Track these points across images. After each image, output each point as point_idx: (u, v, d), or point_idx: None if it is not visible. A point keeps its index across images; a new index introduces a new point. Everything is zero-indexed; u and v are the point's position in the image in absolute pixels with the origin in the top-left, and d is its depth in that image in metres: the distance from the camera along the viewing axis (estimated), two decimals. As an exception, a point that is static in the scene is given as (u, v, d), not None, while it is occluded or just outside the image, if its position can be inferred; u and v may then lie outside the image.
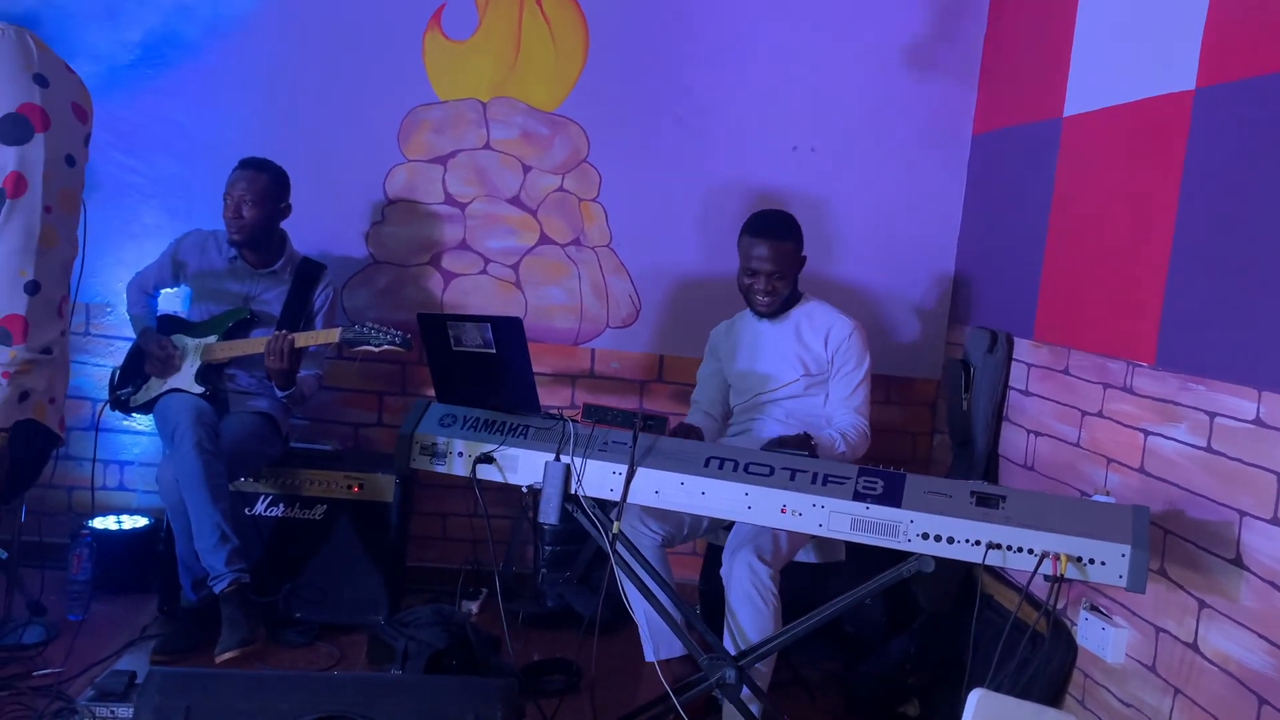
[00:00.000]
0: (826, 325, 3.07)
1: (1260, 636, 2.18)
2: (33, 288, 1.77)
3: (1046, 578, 2.10)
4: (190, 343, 3.25)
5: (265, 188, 3.23)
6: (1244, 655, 2.23)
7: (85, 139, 2.00)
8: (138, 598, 3.37)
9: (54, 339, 1.80)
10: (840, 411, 3.03)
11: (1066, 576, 2.08)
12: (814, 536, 2.77)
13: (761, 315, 3.10)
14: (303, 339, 3.12)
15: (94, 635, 3.09)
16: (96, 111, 3.47)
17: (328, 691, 1.98)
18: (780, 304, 3.07)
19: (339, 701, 1.96)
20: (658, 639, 2.79)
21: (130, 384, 3.29)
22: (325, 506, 3.35)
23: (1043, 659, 2.81)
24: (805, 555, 2.94)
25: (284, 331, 3.11)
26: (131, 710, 2.56)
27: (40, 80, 1.83)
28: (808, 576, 3.01)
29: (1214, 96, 2.47)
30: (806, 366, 3.06)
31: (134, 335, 3.41)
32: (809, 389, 3.07)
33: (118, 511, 3.61)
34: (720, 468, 2.32)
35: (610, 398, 3.78)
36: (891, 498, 2.22)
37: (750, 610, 2.59)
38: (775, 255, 3.00)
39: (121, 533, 3.50)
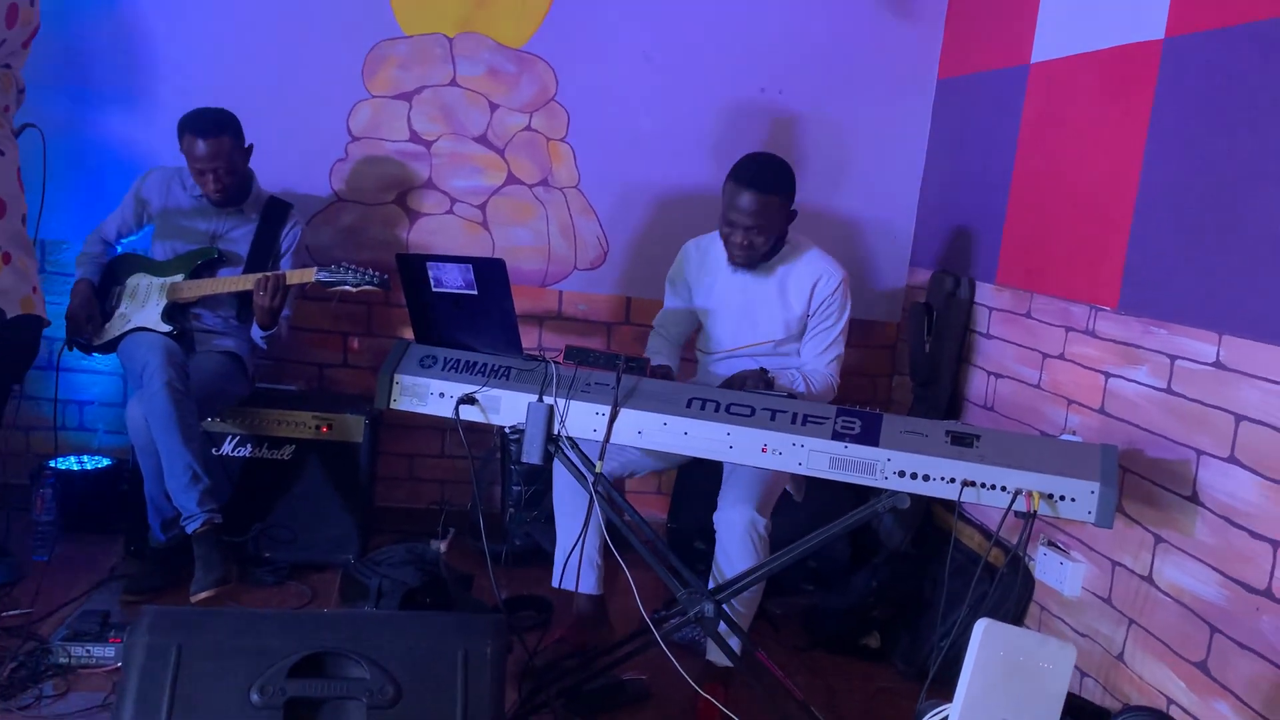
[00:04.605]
0: (814, 275, 2.94)
1: (1213, 569, 2.30)
2: None
3: (1019, 514, 2.18)
4: (156, 281, 3.19)
5: (230, 145, 3.14)
6: (1197, 587, 2.34)
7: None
8: (103, 538, 3.35)
9: None
10: (811, 365, 2.97)
11: (1038, 512, 2.15)
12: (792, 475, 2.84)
13: (738, 267, 2.96)
14: (292, 276, 3.08)
15: (60, 576, 3.06)
16: (52, 42, 3.38)
17: (319, 629, 2.00)
18: (760, 257, 2.93)
19: (331, 638, 1.97)
20: (571, 571, 2.83)
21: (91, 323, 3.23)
22: (294, 447, 3.34)
23: (1002, 593, 2.92)
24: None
25: (276, 271, 3.08)
26: (110, 650, 2.59)
27: None
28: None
29: (1182, 46, 2.53)
30: (788, 327, 2.97)
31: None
32: (779, 347, 2.99)
33: (78, 452, 3.56)
34: (702, 408, 2.36)
35: (577, 340, 3.79)
36: (869, 437, 2.28)
37: (748, 562, 2.63)
38: (758, 209, 2.79)
39: (84, 473, 3.46)
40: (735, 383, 2.76)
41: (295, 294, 3.37)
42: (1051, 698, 1.45)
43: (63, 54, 3.43)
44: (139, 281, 3.23)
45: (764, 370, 2.80)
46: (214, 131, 3.12)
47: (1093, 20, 2.89)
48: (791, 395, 2.52)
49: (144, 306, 3.17)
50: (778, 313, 2.97)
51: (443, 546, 3.53)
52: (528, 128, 3.71)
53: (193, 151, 3.12)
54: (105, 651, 2.59)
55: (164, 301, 3.15)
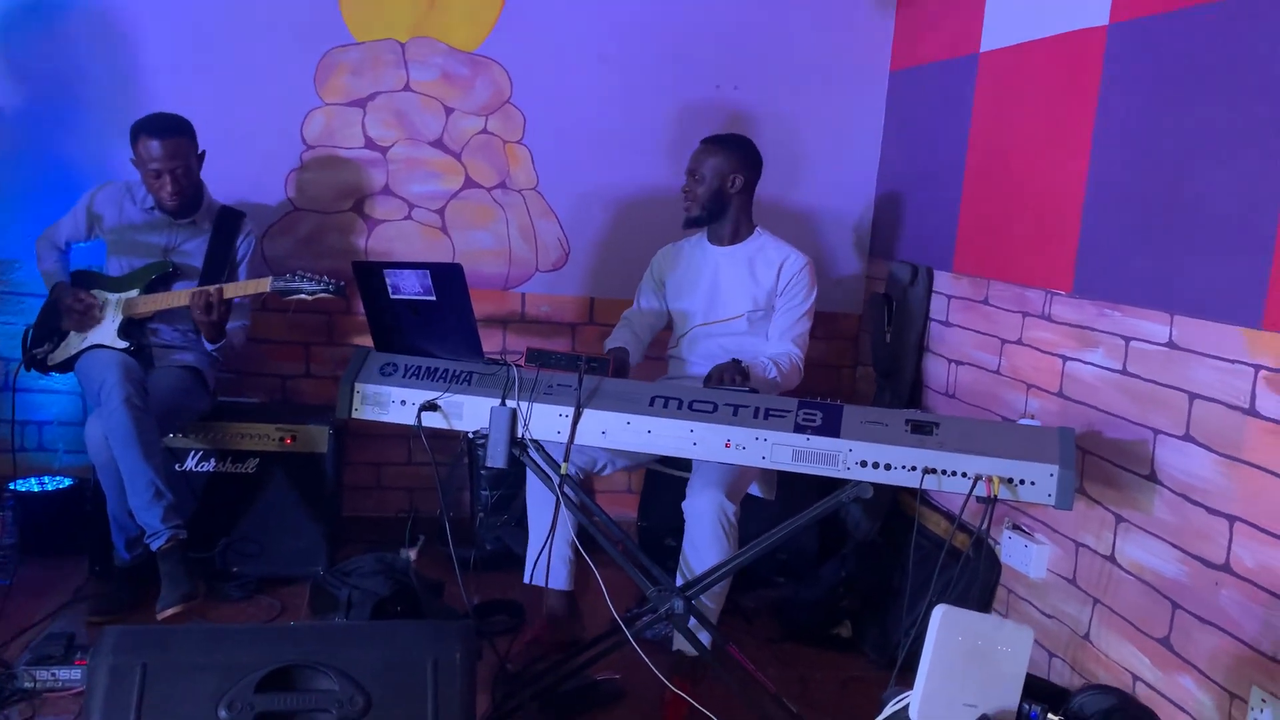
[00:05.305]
0: (781, 258, 3.13)
1: (1173, 546, 2.33)
2: None
3: (980, 499, 2.20)
4: (111, 297, 3.15)
5: (187, 148, 3.11)
6: (1158, 564, 2.38)
7: None
8: (67, 559, 3.30)
9: None
10: (778, 341, 3.09)
11: (999, 497, 2.17)
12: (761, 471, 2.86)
13: (686, 223, 3.16)
14: (232, 290, 3.05)
15: (24, 599, 3.02)
16: None
17: (286, 642, 1.98)
18: (703, 214, 3.13)
19: (298, 651, 1.96)
20: (541, 567, 2.86)
21: (46, 342, 3.18)
22: (257, 460, 3.31)
23: (969, 578, 2.94)
24: (752, 489, 3.01)
25: (216, 285, 3.05)
26: (76, 673, 2.56)
27: None
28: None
29: (1126, 31, 2.56)
30: (756, 301, 3.11)
31: (45, 291, 3.29)
32: (752, 325, 3.12)
33: (38, 473, 3.51)
34: (665, 406, 2.37)
35: (542, 341, 3.78)
36: (830, 428, 2.29)
37: (716, 547, 2.66)
38: (698, 160, 3.11)
39: (45, 493, 3.41)
40: (713, 376, 2.80)
41: (253, 305, 3.34)
42: (1010, 680, 1.47)
43: (6, 71, 3.38)
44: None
45: (738, 361, 2.84)
46: (170, 132, 3.09)
47: (1039, 7, 2.92)
48: (754, 390, 2.54)
49: (100, 323, 3.13)
50: (747, 287, 3.13)
51: (413, 555, 3.52)
52: (484, 131, 3.70)
53: (149, 153, 3.07)
54: (71, 674, 2.56)
55: (120, 318, 3.12)
